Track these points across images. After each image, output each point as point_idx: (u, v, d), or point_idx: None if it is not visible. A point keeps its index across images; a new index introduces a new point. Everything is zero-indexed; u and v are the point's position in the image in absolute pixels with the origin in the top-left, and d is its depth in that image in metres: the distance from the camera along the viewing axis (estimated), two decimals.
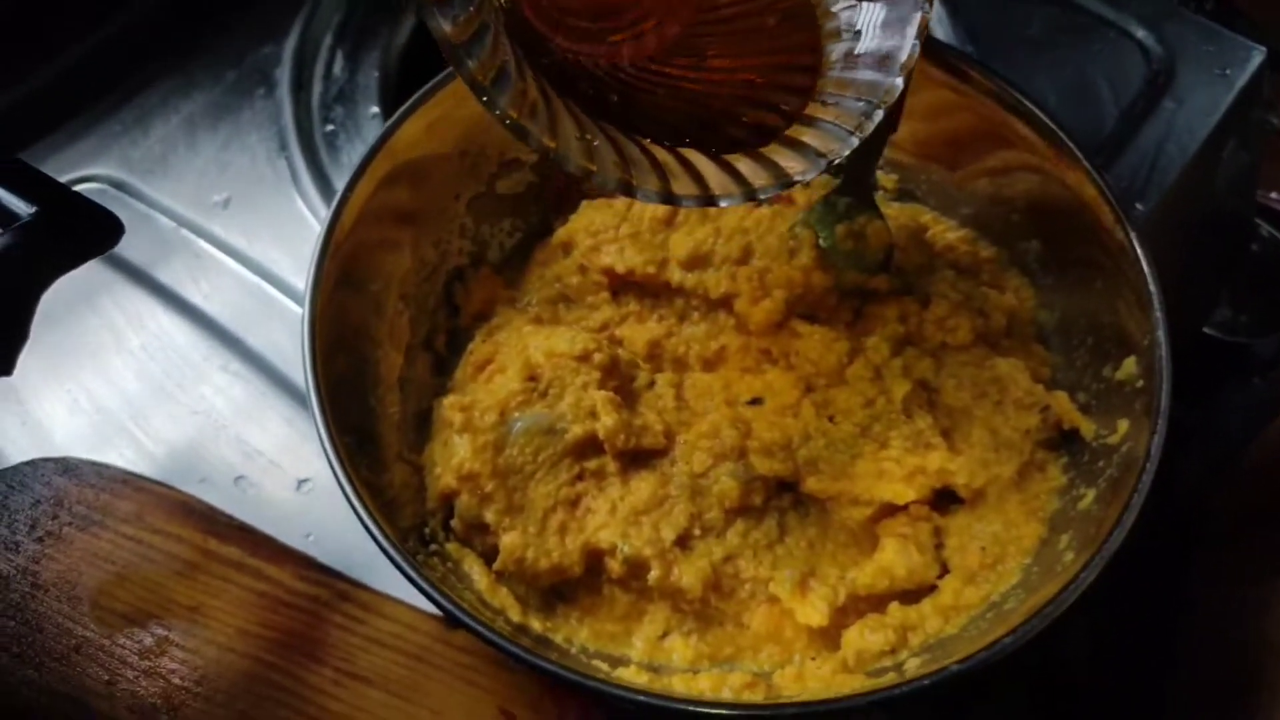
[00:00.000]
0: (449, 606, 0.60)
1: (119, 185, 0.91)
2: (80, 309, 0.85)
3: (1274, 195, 1.31)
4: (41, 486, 0.75)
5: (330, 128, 0.93)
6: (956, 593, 0.67)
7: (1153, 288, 0.67)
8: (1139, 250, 0.68)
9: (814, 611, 0.67)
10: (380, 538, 0.61)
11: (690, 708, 0.59)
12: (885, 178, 0.84)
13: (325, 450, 0.63)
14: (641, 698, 0.59)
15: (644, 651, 0.69)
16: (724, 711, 0.59)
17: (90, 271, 0.83)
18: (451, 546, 0.69)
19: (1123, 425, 0.67)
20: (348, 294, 0.71)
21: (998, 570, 0.68)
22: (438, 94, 0.74)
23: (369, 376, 0.72)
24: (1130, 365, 0.68)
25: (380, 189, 0.73)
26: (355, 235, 0.71)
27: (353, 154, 0.91)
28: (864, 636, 0.66)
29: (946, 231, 0.82)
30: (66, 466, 0.76)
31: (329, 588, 0.72)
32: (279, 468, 0.78)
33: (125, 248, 0.84)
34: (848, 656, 0.65)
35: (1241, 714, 0.69)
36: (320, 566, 0.73)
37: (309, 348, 0.66)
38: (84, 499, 0.74)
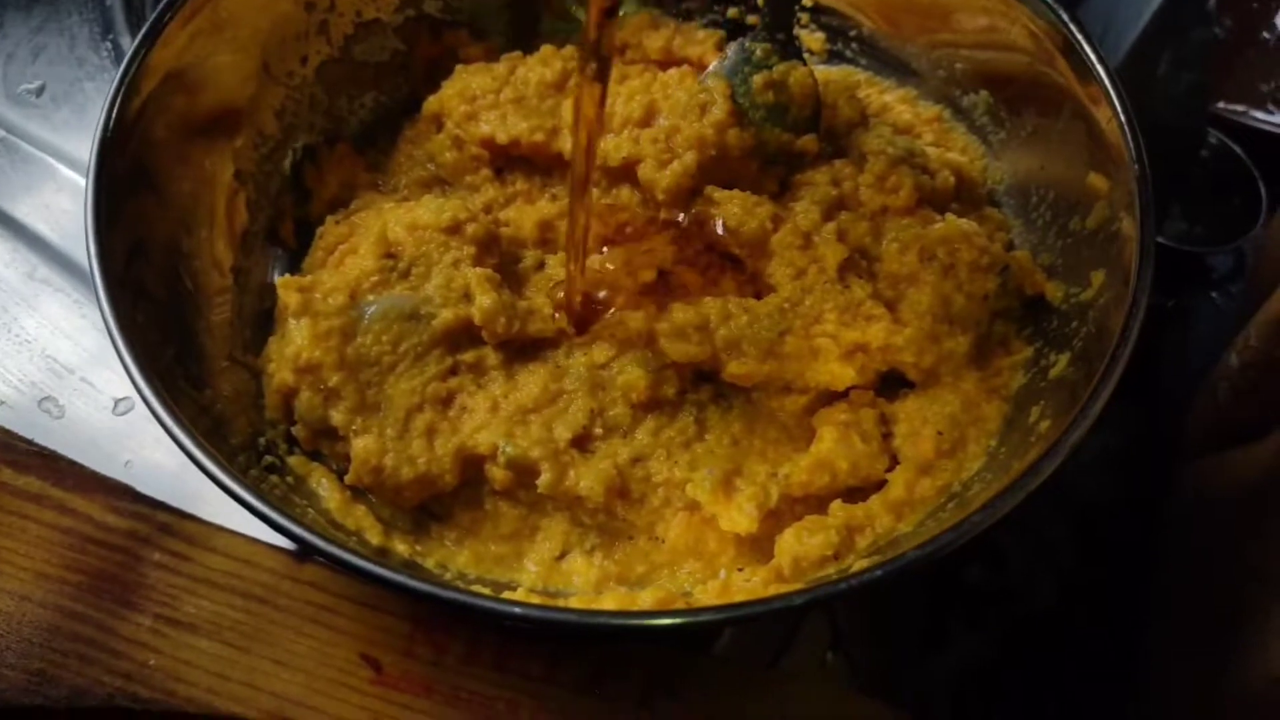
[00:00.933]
0: (290, 527, 0.46)
1: None
2: None
3: (1222, 105, 1.24)
4: None
5: None
6: (909, 485, 0.56)
7: (1124, 116, 0.57)
8: (1106, 78, 0.58)
9: (740, 516, 0.55)
10: (195, 450, 0.48)
11: (602, 621, 0.47)
12: (810, 37, 0.73)
13: (123, 361, 0.50)
14: (542, 614, 0.46)
15: (538, 575, 0.56)
16: (639, 623, 0.46)
17: None
18: (295, 460, 0.56)
19: (1097, 277, 0.57)
20: (153, 178, 0.58)
21: (957, 457, 0.57)
22: None
23: (188, 271, 0.58)
24: (1102, 209, 0.58)
25: (194, 46, 0.60)
26: (159, 103, 0.58)
27: None
28: (801, 541, 0.54)
29: (882, 92, 0.71)
30: None
31: (148, 520, 0.59)
32: (92, 386, 0.65)
33: None
34: (783, 565, 0.54)
35: (1230, 651, 0.59)
36: (138, 496, 0.59)
37: (94, 246, 0.53)
38: None
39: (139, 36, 0.57)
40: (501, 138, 0.67)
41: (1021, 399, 0.57)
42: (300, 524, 0.47)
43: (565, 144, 0.67)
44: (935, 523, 0.53)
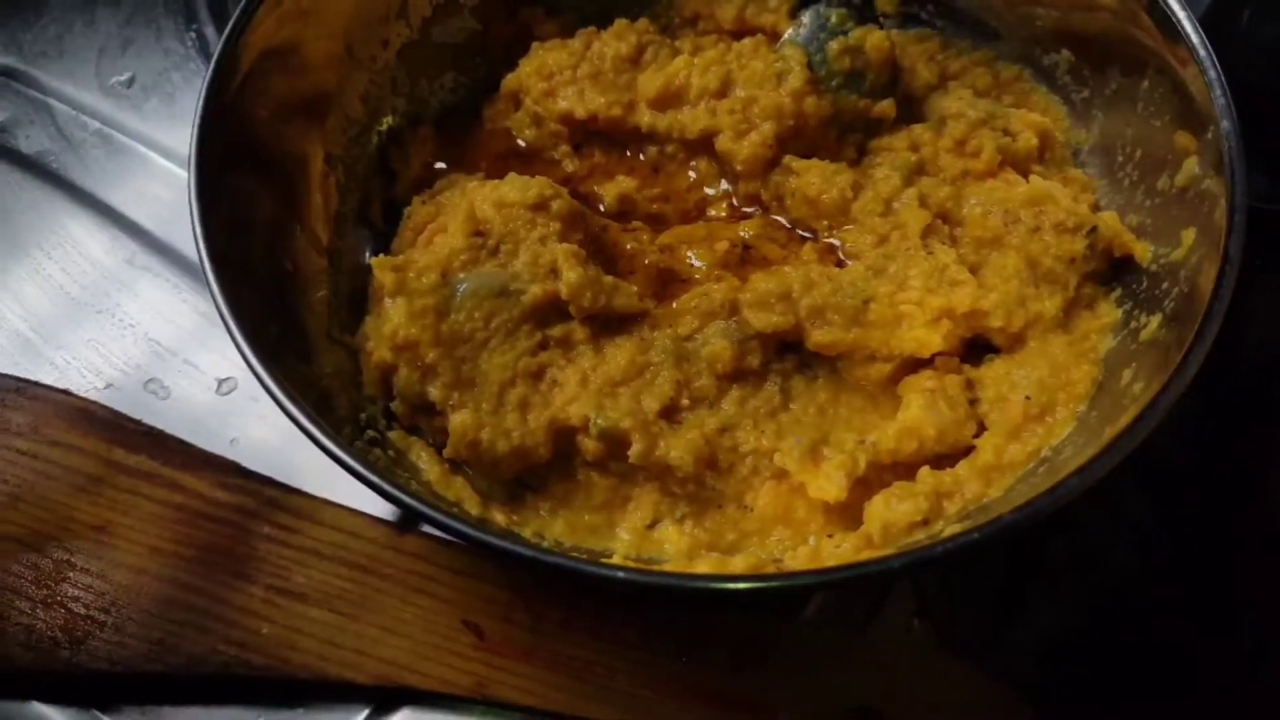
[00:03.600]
0: (398, 495, 0.48)
1: (7, 73, 0.79)
2: None
3: None
4: None
5: None
6: (998, 450, 0.56)
7: (1213, 73, 0.56)
8: (1192, 34, 0.57)
9: (829, 483, 0.56)
10: (308, 425, 0.50)
11: (702, 584, 0.48)
12: (885, 1, 0.73)
13: (233, 336, 0.52)
14: (645, 579, 0.47)
15: (630, 544, 0.58)
16: (739, 585, 0.47)
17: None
18: (395, 435, 0.58)
19: (1188, 236, 0.56)
20: (250, 160, 0.59)
21: (1046, 422, 0.57)
22: None
23: (287, 252, 0.60)
24: (1191, 166, 0.57)
25: (283, 30, 0.61)
26: (253, 85, 0.60)
27: None
28: (890, 507, 0.54)
29: (960, 54, 0.71)
30: None
31: (256, 495, 0.61)
32: (195, 368, 0.67)
33: (19, 140, 0.75)
34: (872, 531, 0.54)
35: None
36: (245, 472, 0.62)
37: (200, 231, 0.54)
38: None
39: (231, 21, 0.59)
40: (580, 113, 0.68)
41: (1112, 362, 0.57)
42: (408, 492, 0.49)
43: (642, 118, 0.68)
44: (1027, 488, 0.53)
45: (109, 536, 0.60)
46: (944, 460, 0.57)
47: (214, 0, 0.81)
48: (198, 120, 0.57)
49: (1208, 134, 0.55)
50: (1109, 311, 0.60)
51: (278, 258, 0.59)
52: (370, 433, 0.57)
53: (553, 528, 0.58)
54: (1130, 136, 0.62)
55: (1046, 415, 0.57)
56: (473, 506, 0.56)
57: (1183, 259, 0.56)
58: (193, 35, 0.80)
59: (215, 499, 0.61)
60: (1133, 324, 0.58)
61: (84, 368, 0.67)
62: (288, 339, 0.57)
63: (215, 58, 0.58)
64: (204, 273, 0.52)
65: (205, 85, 0.57)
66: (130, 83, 0.78)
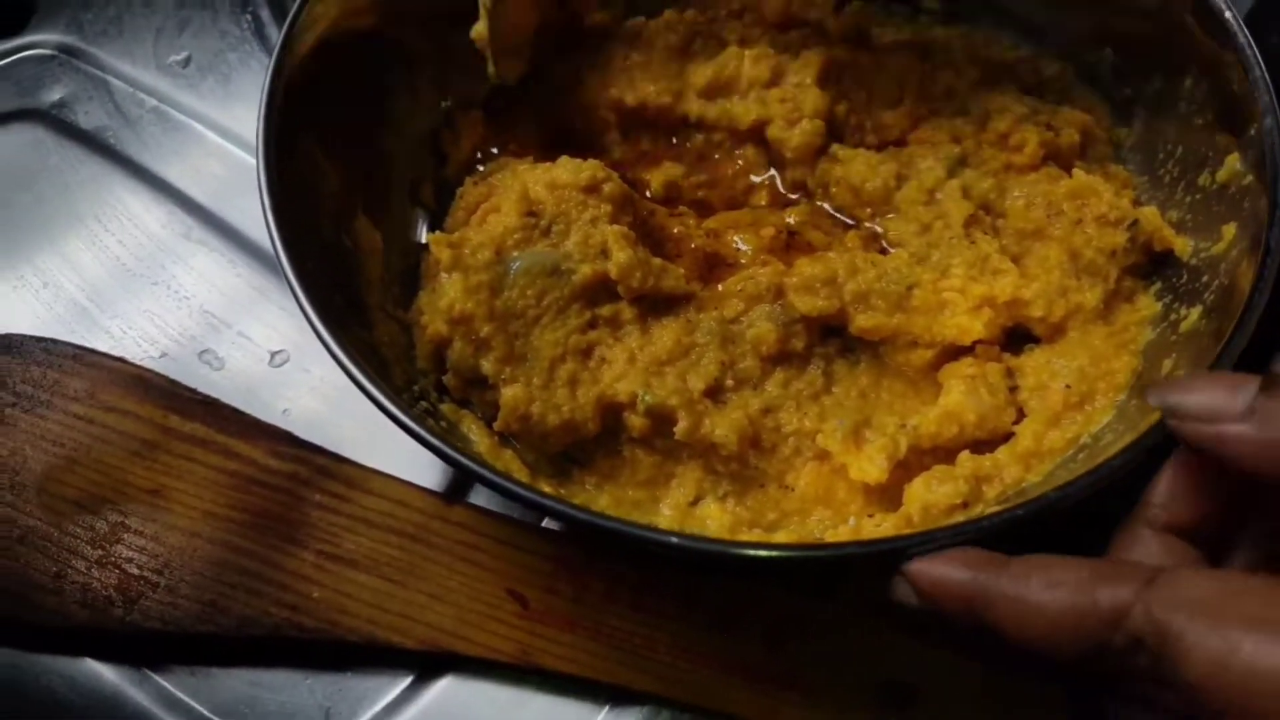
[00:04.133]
0: (456, 457, 0.49)
1: (70, 51, 0.81)
2: (32, 183, 0.75)
3: None
4: None
5: None
6: (1037, 436, 0.57)
7: (1257, 71, 0.57)
8: (1239, 32, 0.58)
9: (871, 465, 0.57)
10: (371, 388, 0.51)
11: (749, 552, 0.49)
12: None
13: (300, 303, 0.53)
14: (695, 545, 0.48)
15: (673, 519, 0.59)
16: (787, 554, 0.48)
17: (38, 140, 0.75)
18: (447, 408, 0.60)
19: (1229, 231, 0.57)
20: (314, 138, 0.61)
21: (1085, 411, 0.58)
22: None
23: (347, 230, 0.62)
24: (1233, 163, 0.58)
25: (347, 9, 0.63)
26: (318, 68, 0.61)
27: None
28: (930, 489, 0.55)
29: (1004, 51, 0.72)
30: (9, 344, 0.66)
31: (308, 464, 0.62)
32: (249, 340, 0.69)
33: (79, 115, 0.76)
34: (912, 513, 0.55)
35: None
36: (297, 441, 0.63)
37: (270, 204, 0.56)
38: (29, 378, 0.65)
39: (286, 25, 0.60)
40: (630, 100, 0.69)
41: (1151, 354, 0.58)
42: (467, 455, 0.50)
43: (691, 106, 0.69)
44: (1066, 472, 0.54)
45: (163, 500, 0.61)
46: (983, 446, 0.58)
47: None
48: (264, 98, 0.58)
49: (1250, 131, 0.56)
50: (1148, 304, 0.61)
51: (339, 234, 0.60)
52: (423, 404, 0.58)
53: (598, 501, 0.59)
54: (1172, 134, 0.63)
55: (1086, 404, 0.58)
56: (522, 478, 0.57)
57: (1223, 253, 0.57)
58: (248, 18, 0.81)
59: (268, 466, 0.62)
60: (1172, 316, 0.58)
61: (140, 337, 0.69)
62: (349, 311, 0.58)
63: (282, 36, 0.60)
64: (273, 244, 0.54)
65: (272, 63, 0.58)
66: (186, 62, 0.80)
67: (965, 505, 0.55)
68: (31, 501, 0.61)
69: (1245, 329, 0.50)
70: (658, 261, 0.62)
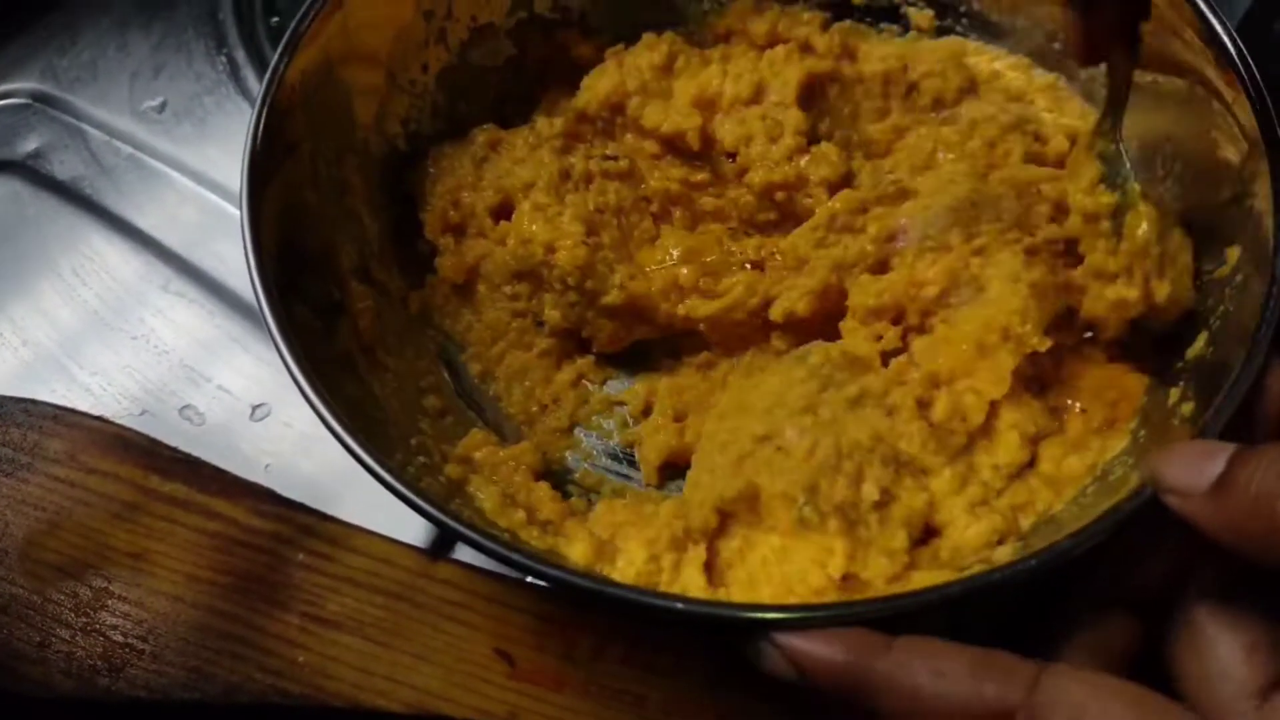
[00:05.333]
0: (449, 523, 0.49)
1: (44, 99, 0.80)
2: (8, 236, 0.74)
3: None
4: None
5: (275, 20, 0.82)
6: (1056, 461, 0.55)
7: (1253, 90, 0.54)
8: (1233, 50, 0.55)
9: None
10: (361, 453, 0.50)
11: (766, 615, 0.47)
12: (919, 14, 0.71)
13: (287, 366, 0.51)
14: (695, 610, 0.47)
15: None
16: (804, 615, 0.46)
17: (14, 192, 0.74)
18: (452, 468, 0.58)
19: (1233, 254, 0.54)
20: (297, 187, 0.59)
21: (1102, 435, 0.56)
22: None
23: (334, 277, 0.60)
24: (1233, 184, 0.55)
25: (325, 60, 0.61)
26: (297, 118, 0.60)
27: None
28: (964, 528, 0.53)
29: (993, 60, 0.69)
30: None
31: (290, 523, 0.61)
32: (229, 394, 0.68)
33: (54, 166, 0.75)
34: (942, 553, 0.53)
35: None
36: (279, 499, 0.62)
37: (253, 259, 0.54)
38: (9, 440, 0.64)
39: (277, 51, 0.58)
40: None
41: (1157, 379, 0.56)
42: (460, 520, 0.49)
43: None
44: (1081, 506, 0.52)
45: (146, 564, 0.60)
46: None
47: (243, 25, 0.81)
48: (247, 150, 0.56)
49: (1251, 150, 0.54)
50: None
51: (326, 283, 0.59)
52: (421, 459, 0.57)
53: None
54: (1170, 150, 0.61)
55: (1100, 431, 0.56)
56: (529, 536, 0.56)
57: (1227, 276, 0.54)
58: (223, 60, 0.80)
59: (250, 526, 0.61)
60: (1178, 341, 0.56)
61: (119, 394, 0.68)
62: (337, 361, 0.57)
63: (262, 89, 0.58)
64: (257, 299, 0.52)
65: (254, 116, 0.56)
66: (162, 108, 0.78)
67: (1001, 542, 0.53)
68: (14, 569, 0.61)
69: (1254, 362, 0.48)
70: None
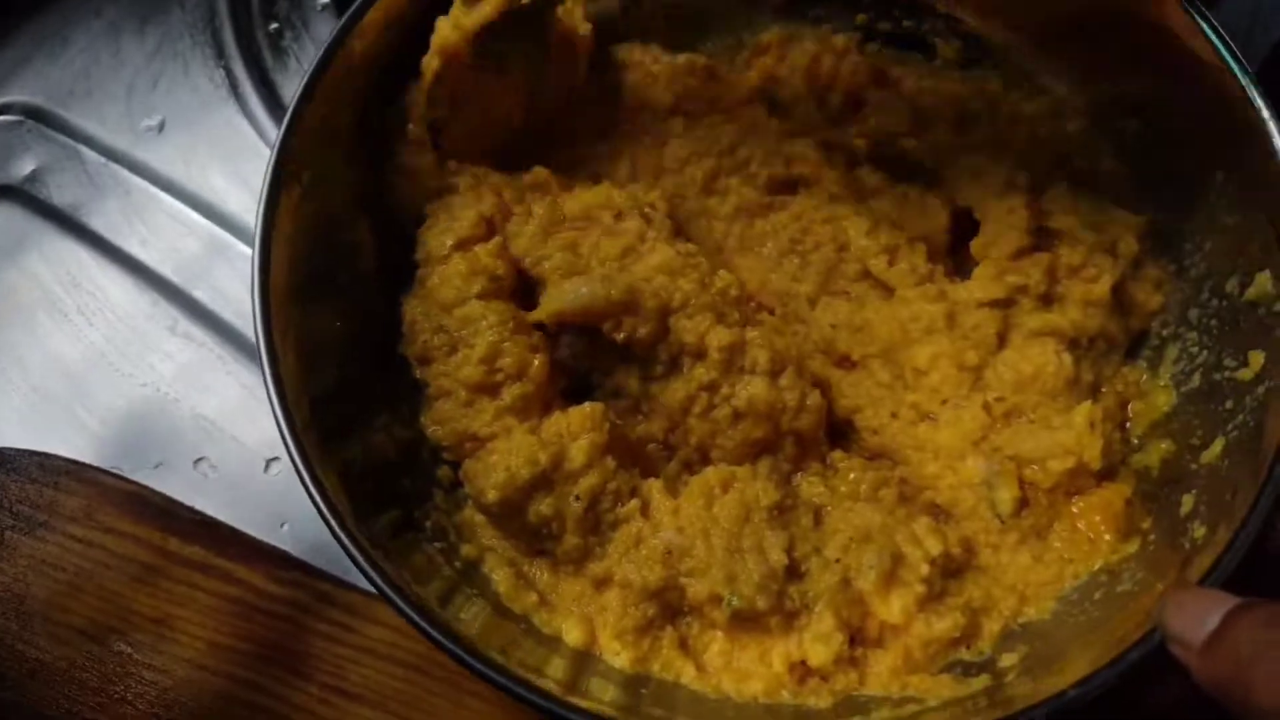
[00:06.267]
0: (441, 641, 0.49)
1: (38, 116, 0.77)
2: (9, 268, 0.73)
3: None
4: None
5: (274, 25, 0.78)
6: (1023, 570, 0.56)
7: None
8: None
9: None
10: (350, 547, 0.50)
11: None
12: (946, 46, 0.68)
13: (281, 432, 0.51)
14: None
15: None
16: None
17: (13, 219, 0.72)
18: (468, 548, 0.58)
19: (1256, 359, 0.54)
20: (311, 230, 0.57)
21: (1089, 540, 0.57)
22: None
23: (348, 353, 0.59)
24: (1264, 283, 0.54)
25: (340, 100, 0.58)
26: (313, 163, 0.57)
27: (303, 57, 0.77)
28: (929, 624, 0.55)
29: (1020, 102, 0.67)
30: (2, 459, 0.65)
31: (309, 589, 0.62)
32: (243, 445, 0.67)
33: (51, 190, 0.74)
34: (913, 648, 0.55)
35: None
36: (297, 564, 0.63)
37: (260, 309, 0.53)
38: (25, 497, 0.64)
39: (285, 122, 0.56)
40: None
41: (1172, 478, 0.56)
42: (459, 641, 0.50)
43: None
44: (1082, 615, 0.53)
45: (168, 629, 0.61)
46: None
47: (241, 34, 0.78)
48: (261, 212, 0.54)
49: None
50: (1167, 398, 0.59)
51: (338, 356, 0.58)
52: (437, 545, 0.57)
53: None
54: (1199, 224, 0.59)
55: (1091, 536, 0.57)
56: (541, 623, 0.56)
57: (1248, 382, 0.54)
58: (222, 72, 0.77)
59: (269, 593, 0.62)
60: (1192, 440, 0.56)
61: (132, 444, 0.68)
62: (344, 429, 0.56)
63: (278, 141, 0.55)
64: (266, 385, 0.51)
65: (268, 174, 0.54)
66: (161, 127, 0.76)
67: (965, 641, 0.55)
68: (38, 632, 0.62)
69: (1266, 497, 0.48)
70: None
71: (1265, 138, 0.53)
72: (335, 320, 0.58)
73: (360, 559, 0.50)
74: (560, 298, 0.58)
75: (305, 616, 0.61)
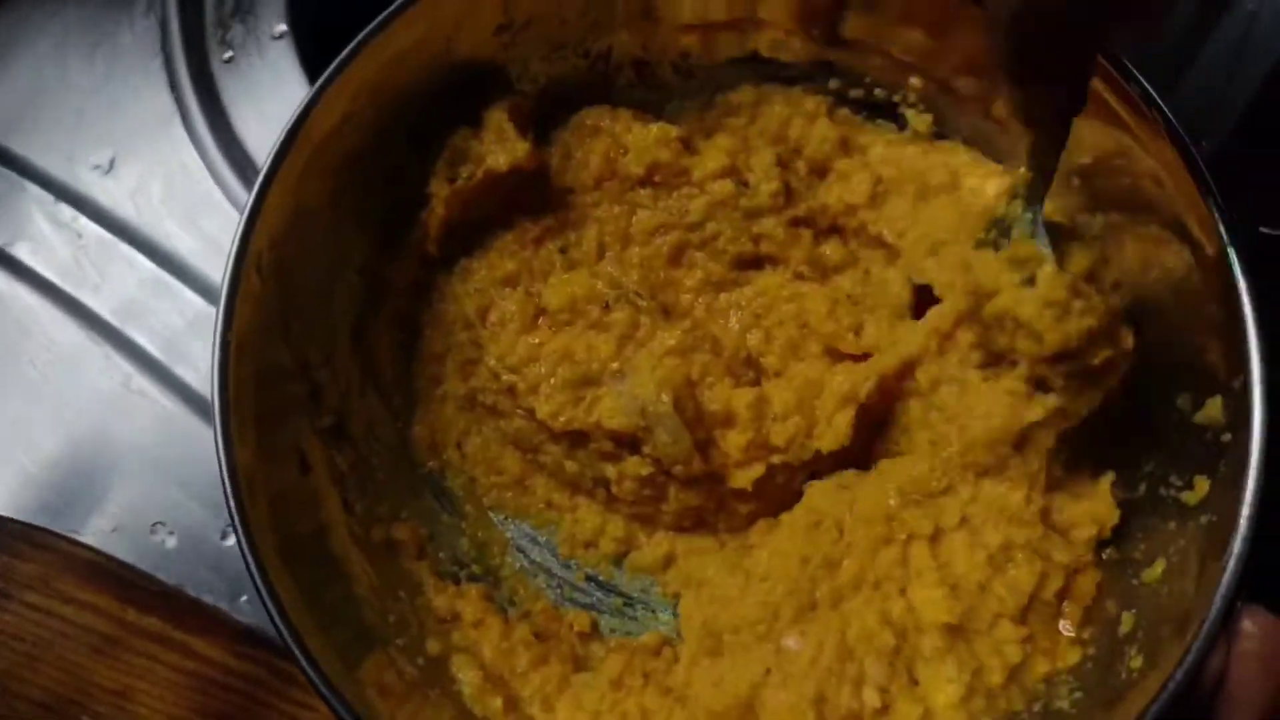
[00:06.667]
0: None
1: None
2: None
3: None
4: None
5: (229, 55, 0.75)
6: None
7: (1250, 316, 0.52)
8: (1235, 262, 0.53)
9: None
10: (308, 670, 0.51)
11: None
12: (917, 117, 0.67)
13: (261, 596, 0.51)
14: None
15: None
16: None
17: None
18: (433, 643, 0.59)
19: (1202, 485, 0.54)
20: (275, 322, 0.57)
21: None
22: (371, 45, 0.57)
23: (305, 445, 0.59)
24: (1215, 409, 0.54)
25: (306, 185, 0.57)
26: (278, 256, 0.56)
27: (258, 90, 0.74)
28: None
29: (985, 181, 0.66)
30: None
31: (267, 666, 0.63)
32: (202, 509, 0.67)
33: None
34: None
35: None
36: (256, 639, 0.64)
37: (220, 420, 0.53)
38: None
39: (240, 223, 0.54)
40: None
41: (1112, 590, 0.57)
42: None
43: None
44: None
45: (129, 702, 0.62)
46: None
47: (192, 63, 0.75)
48: (219, 325, 0.53)
49: (1237, 382, 0.53)
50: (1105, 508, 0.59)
51: (296, 451, 0.58)
52: (399, 641, 0.58)
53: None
54: (1155, 328, 0.59)
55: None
56: None
57: (1193, 508, 0.54)
58: (174, 102, 0.74)
59: (228, 667, 0.63)
60: (1135, 553, 0.57)
61: (87, 506, 0.67)
62: (308, 540, 0.57)
63: (237, 239, 0.54)
64: (224, 489, 0.52)
65: (228, 269, 0.53)
66: (111, 165, 0.74)
67: None
68: None
69: (1194, 653, 0.49)
70: None
71: (1226, 275, 0.53)
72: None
73: (317, 683, 0.50)
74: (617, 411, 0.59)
75: (263, 692, 0.62)
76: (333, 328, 0.61)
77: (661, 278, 0.67)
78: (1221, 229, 0.53)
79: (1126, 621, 0.55)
